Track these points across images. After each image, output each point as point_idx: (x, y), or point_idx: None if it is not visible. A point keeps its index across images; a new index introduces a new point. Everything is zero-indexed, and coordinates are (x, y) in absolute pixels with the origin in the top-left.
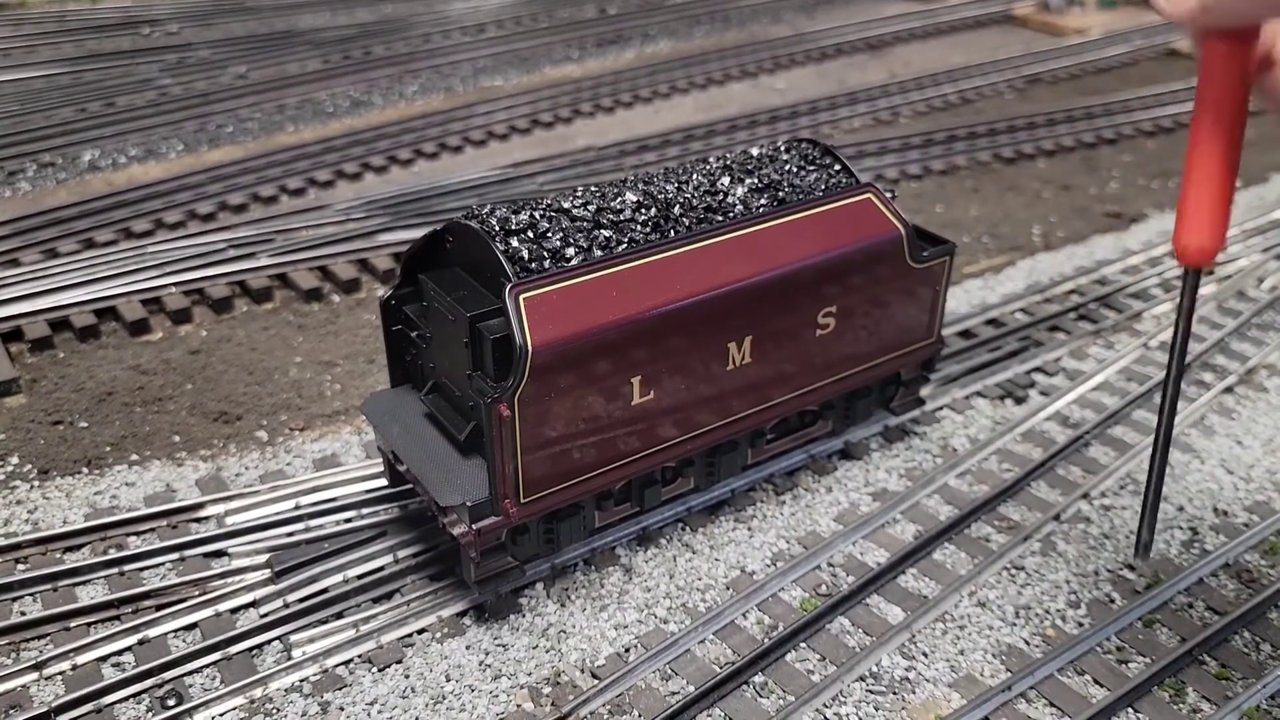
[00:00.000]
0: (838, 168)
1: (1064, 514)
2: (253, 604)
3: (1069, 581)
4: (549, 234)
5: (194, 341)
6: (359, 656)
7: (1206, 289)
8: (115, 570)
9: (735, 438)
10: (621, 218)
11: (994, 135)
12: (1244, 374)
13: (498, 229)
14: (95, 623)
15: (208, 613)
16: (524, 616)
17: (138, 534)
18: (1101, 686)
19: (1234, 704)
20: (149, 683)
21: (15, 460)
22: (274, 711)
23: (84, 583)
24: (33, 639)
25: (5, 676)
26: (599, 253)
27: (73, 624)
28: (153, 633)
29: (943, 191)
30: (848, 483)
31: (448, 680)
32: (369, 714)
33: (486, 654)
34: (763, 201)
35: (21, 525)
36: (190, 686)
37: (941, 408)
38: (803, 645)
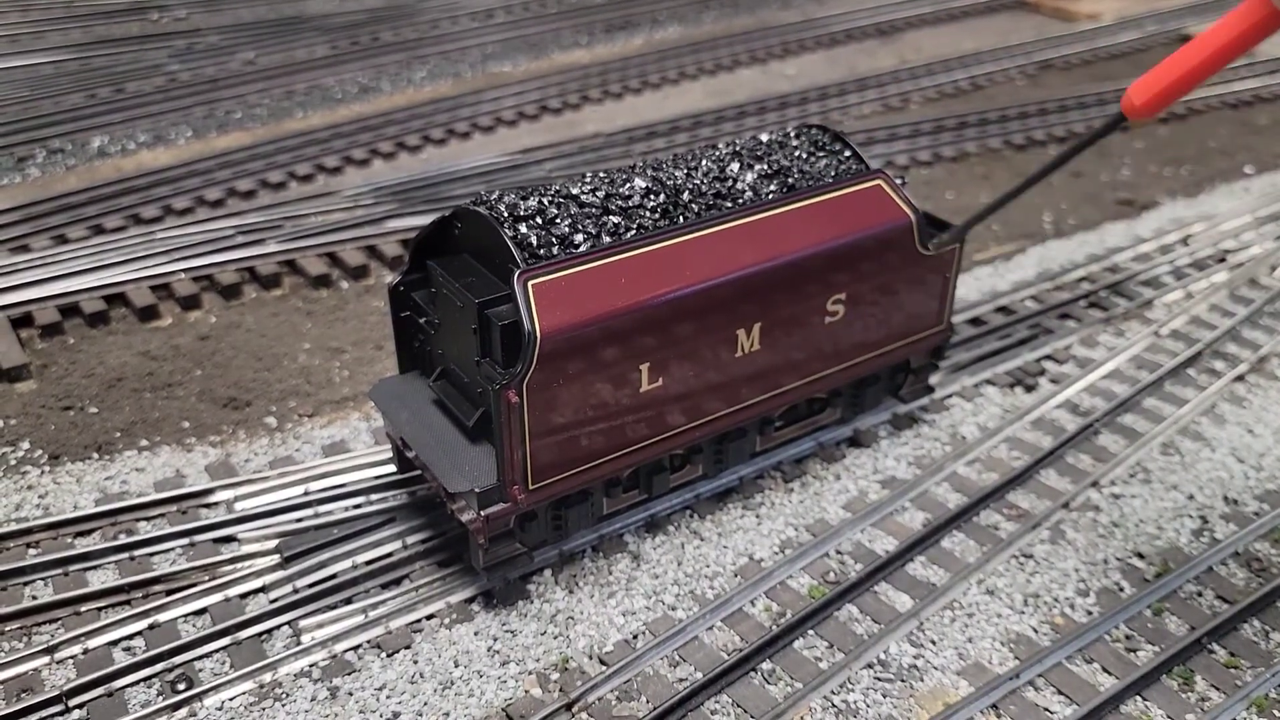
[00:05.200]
0: (848, 154)
1: (1073, 502)
2: (262, 589)
3: (1078, 570)
4: (557, 220)
5: (203, 328)
6: (368, 642)
7: (1219, 276)
8: (125, 555)
9: (744, 425)
10: (630, 204)
11: (1005, 121)
12: (1255, 362)
13: (506, 215)
14: (106, 607)
15: (217, 598)
16: (532, 603)
17: (148, 519)
18: (1110, 675)
19: (1243, 692)
20: (159, 667)
21: (26, 445)
22: (283, 696)
23: (94, 567)
24: (44, 623)
25: (17, 660)
26: (608, 239)
27: (83, 608)
28: (163, 617)
29: (953, 178)
30: (856, 470)
31: (456, 666)
32: (378, 699)
33: (495, 640)
34: (772, 188)
35: (32, 510)
36: (200, 671)
37: (951, 395)
38: (811, 633)
